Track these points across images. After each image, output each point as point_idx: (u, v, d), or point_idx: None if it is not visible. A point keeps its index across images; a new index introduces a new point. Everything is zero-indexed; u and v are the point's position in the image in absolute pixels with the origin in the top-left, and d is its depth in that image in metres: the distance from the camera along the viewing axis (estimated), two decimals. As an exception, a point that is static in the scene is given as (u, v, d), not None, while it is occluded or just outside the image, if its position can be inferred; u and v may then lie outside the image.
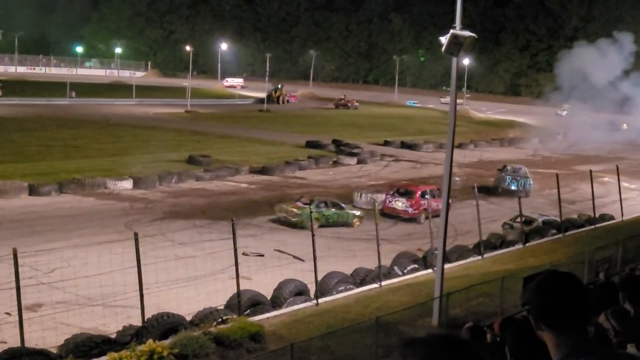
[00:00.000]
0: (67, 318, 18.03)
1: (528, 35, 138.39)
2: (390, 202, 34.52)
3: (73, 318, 17.96)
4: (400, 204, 34.14)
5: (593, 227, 32.15)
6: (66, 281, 20.37)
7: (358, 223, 31.66)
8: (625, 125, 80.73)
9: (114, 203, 33.24)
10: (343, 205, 32.83)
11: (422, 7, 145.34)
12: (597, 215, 33.51)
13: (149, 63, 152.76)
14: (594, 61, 72.12)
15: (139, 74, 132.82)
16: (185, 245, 26.07)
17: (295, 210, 30.75)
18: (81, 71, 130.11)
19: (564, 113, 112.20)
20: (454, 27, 16.81)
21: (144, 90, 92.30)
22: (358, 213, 32.44)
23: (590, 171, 34.31)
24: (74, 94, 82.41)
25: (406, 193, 34.89)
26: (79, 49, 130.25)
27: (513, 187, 41.86)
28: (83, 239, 25.80)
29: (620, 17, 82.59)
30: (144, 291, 16.62)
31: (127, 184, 36.47)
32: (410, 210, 33.86)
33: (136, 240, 16.79)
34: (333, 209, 31.80)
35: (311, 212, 24.92)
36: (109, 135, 54.37)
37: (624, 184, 37.60)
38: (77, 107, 74.04)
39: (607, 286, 6.25)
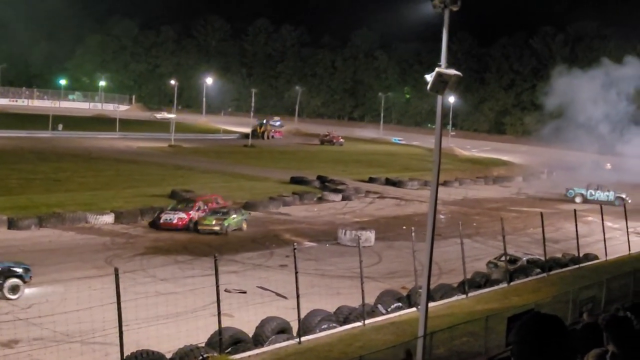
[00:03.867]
0: (44, 355, 17.74)
1: (512, 74, 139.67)
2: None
3: (50, 355, 17.67)
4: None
5: (577, 266, 32.16)
6: (44, 317, 20.04)
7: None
8: (609, 165, 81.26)
9: (94, 237, 32.96)
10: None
11: (407, 45, 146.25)
12: (581, 255, 33.54)
13: (133, 97, 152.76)
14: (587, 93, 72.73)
15: (123, 107, 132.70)
16: (166, 282, 25.85)
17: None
18: (64, 104, 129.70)
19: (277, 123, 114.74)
20: (439, 65, 16.82)
21: (128, 124, 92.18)
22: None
23: (575, 210, 34.42)
24: (60, 126, 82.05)
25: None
26: (63, 82, 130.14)
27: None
28: (62, 274, 25.50)
29: (603, 58, 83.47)
30: (124, 328, 16.33)
31: (109, 219, 36.22)
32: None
33: (116, 275, 16.53)
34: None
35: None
36: (91, 169, 54.11)
37: (607, 224, 37.71)
38: (59, 140, 73.71)
39: (590, 327, 6.13)
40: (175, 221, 36.24)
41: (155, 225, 36.53)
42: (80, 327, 19.24)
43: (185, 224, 36.23)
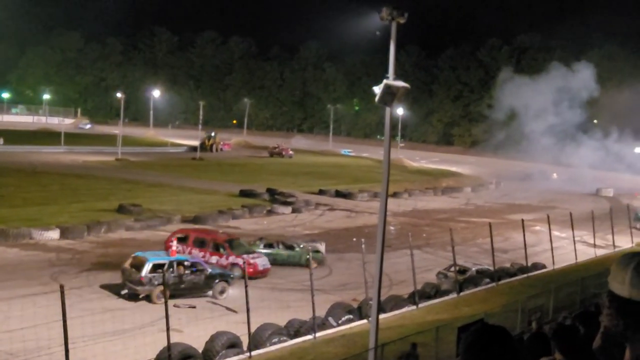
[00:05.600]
0: (-14, 376, 17.27)
1: (460, 85, 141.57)
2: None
3: (-8, 376, 17.20)
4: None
5: (525, 275, 32.58)
6: (-14, 336, 19.53)
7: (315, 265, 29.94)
8: (555, 174, 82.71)
9: (39, 254, 32.24)
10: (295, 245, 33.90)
11: (355, 57, 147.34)
12: (529, 264, 34.04)
13: (79, 110, 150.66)
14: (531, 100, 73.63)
15: (68, 121, 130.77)
16: (114, 297, 25.41)
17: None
18: (7, 117, 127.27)
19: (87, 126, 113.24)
20: (387, 77, 16.87)
21: (73, 138, 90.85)
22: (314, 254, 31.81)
23: (522, 220, 34.93)
24: (1, 140, 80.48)
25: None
26: (5, 95, 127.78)
27: None
28: (5, 292, 24.90)
29: (548, 70, 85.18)
30: (70, 346, 16.01)
31: (54, 234, 35.45)
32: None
33: (62, 292, 16.16)
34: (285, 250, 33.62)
35: None
36: (35, 183, 53.02)
37: (554, 233, 38.33)
38: (2, 154, 72.17)
39: (538, 336, 6.14)
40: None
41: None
42: (25, 345, 18.83)
43: None
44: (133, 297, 25.33)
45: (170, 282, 25.24)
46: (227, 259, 30.50)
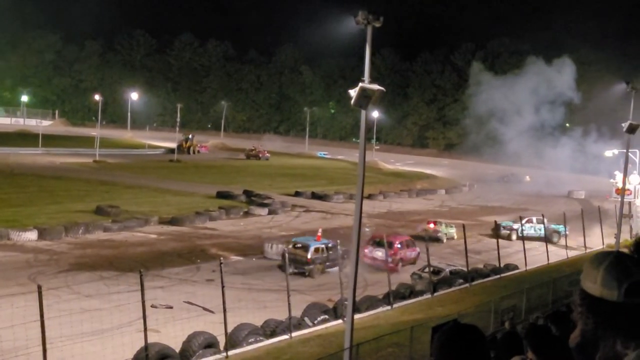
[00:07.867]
0: (-35, 375, 17.34)
1: (435, 89, 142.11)
2: (370, 252, 34.90)
3: (-29, 375, 17.28)
4: (379, 253, 33.88)
5: (498, 276, 33.00)
6: (-36, 336, 19.57)
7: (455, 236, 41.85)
8: (528, 177, 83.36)
9: (17, 255, 32.23)
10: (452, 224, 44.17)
11: (331, 61, 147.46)
12: (502, 265, 34.47)
13: (57, 112, 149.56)
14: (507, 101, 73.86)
15: (46, 122, 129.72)
16: (91, 298, 25.50)
17: (438, 228, 43.21)
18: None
19: None
20: (363, 81, 17.17)
21: (51, 140, 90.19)
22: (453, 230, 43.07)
23: (495, 222, 35.35)
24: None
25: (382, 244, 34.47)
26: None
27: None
28: (-17, 293, 24.91)
29: (522, 74, 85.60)
30: (48, 346, 16.14)
31: (32, 235, 35.43)
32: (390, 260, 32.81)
33: (39, 292, 16.31)
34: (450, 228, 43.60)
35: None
36: (12, 185, 52.79)
37: (527, 234, 38.79)
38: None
39: (511, 335, 6.41)
40: None
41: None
42: (2, 345, 18.87)
43: None
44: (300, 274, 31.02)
45: (325, 261, 32.60)
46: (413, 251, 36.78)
